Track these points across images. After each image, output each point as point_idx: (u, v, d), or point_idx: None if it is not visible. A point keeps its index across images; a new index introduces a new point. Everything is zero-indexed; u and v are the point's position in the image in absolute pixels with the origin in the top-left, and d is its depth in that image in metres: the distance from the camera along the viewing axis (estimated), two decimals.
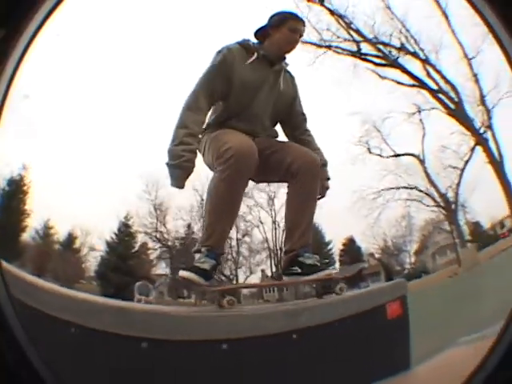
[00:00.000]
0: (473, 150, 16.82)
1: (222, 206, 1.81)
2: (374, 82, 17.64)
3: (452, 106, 16.35)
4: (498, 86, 16.22)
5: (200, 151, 1.96)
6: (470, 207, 20.43)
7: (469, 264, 12.55)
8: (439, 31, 17.76)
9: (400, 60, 17.00)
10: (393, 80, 17.12)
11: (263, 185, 22.67)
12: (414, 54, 17.08)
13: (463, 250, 16.50)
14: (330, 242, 24.24)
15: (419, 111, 17.87)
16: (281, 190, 22.56)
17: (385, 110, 18.69)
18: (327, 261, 22.21)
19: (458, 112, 16.19)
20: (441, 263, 22.38)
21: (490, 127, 15.89)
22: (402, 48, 17.06)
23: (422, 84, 16.58)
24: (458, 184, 18.15)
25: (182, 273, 1.83)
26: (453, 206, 18.48)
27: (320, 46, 17.25)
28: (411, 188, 19.53)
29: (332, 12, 16.91)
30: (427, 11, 17.47)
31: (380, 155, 19.47)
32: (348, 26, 16.63)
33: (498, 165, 14.90)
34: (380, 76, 17.22)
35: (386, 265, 23.13)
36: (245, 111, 1.96)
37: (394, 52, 16.99)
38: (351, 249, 24.38)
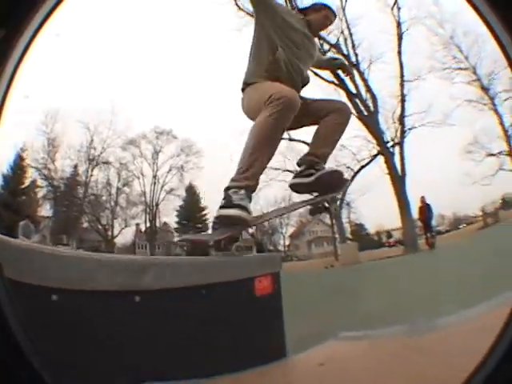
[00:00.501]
0: (373, 157, 17.27)
1: (265, 141, 1.93)
2: None
3: (365, 112, 16.71)
4: (427, 113, 16.94)
5: (243, 100, 2.23)
6: (356, 208, 21.22)
7: (347, 260, 12.64)
8: (384, 47, 17.93)
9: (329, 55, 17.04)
10: (315, 72, 17.14)
11: (152, 136, 22.47)
12: (346, 56, 17.14)
13: (343, 245, 16.74)
14: (205, 207, 23.66)
15: None
16: (167, 146, 22.62)
17: None
18: (200, 226, 22.39)
19: (369, 119, 16.60)
20: (316, 253, 22.57)
21: (400, 144, 16.49)
22: (335, 45, 17.24)
23: (341, 83, 16.66)
24: (349, 183, 18.64)
25: (227, 211, 1.87)
26: (337, 202, 18.80)
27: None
28: None
29: None
30: (383, 27, 17.48)
31: None
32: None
33: (398, 180, 15.45)
34: None
35: (259, 241, 23.28)
36: (290, 64, 2.22)
37: (326, 46, 17.09)
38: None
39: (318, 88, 17.22)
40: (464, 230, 18.65)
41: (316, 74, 16.58)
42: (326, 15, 2.47)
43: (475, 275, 4.68)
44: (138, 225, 23.20)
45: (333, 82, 16.60)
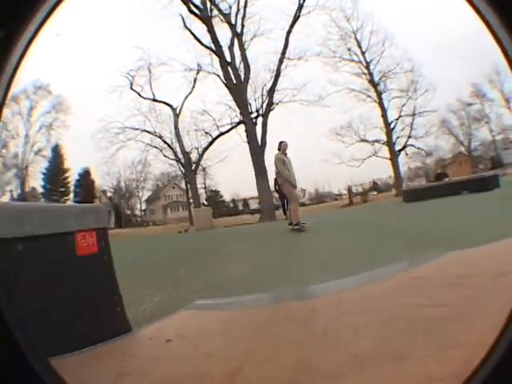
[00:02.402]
0: (235, 125, 17.62)
1: None
2: (177, 30, 17.50)
3: (234, 81, 17.10)
4: (300, 91, 17.73)
5: None
6: (213, 175, 21.17)
7: (202, 225, 12.74)
8: (276, 25, 18.02)
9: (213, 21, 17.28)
10: (193, 34, 17.46)
11: (30, 91, 20.87)
12: (232, 25, 17.34)
13: (197, 210, 16.78)
14: (68, 169, 22.36)
15: (198, 71, 18.22)
16: (42, 102, 21.02)
17: (167, 56, 18.31)
18: (63, 189, 21.64)
19: (237, 88, 16.98)
20: (172, 217, 22.50)
21: (264, 116, 16.90)
22: (225, 14, 17.47)
23: (218, 50, 16.81)
24: (206, 148, 18.70)
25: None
26: (193, 167, 18.80)
27: None
28: (156, 135, 19.78)
29: None
30: (282, 6, 17.88)
31: (139, 94, 19.29)
32: None
33: (256, 150, 15.82)
34: (185, 25, 17.35)
35: (116, 205, 23.11)
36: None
37: (216, 12, 17.29)
38: (86, 181, 23.42)
39: (193, 50, 17.38)
40: (327, 205, 19.48)
41: (195, 38, 17.01)
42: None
43: (324, 249, 5.37)
44: (11, 191, 21.05)
45: (210, 48, 16.86)
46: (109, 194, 23.19)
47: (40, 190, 21.70)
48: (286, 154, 8.37)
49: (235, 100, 17.01)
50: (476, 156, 20.28)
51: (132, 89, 19.46)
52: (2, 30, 0.67)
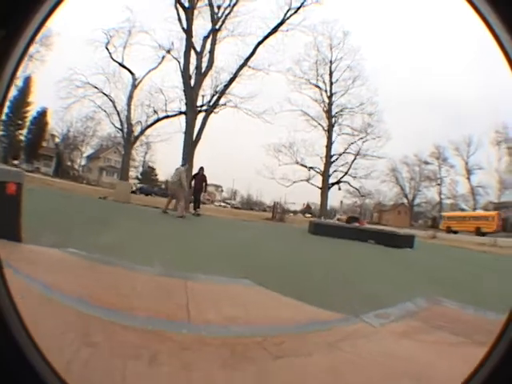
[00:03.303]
0: (179, 114, 18.09)
1: None
2: (168, 5, 17.70)
3: (200, 71, 17.54)
4: (249, 101, 18.36)
5: None
6: (154, 151, 22.03)
7: (119, 197, 14.07)
8: (255, 32, 18.30)
9: None
10: (178, 14, 17.53)
11: None
12: (213, 21, 17.68)
13: (119, 183, 17.30)
14: (31, 103, 23.15)
15: (168, 51, 18.90)
16: None
17: (149, 26, 19.40)
18: (20, 122, 22.06)
19: (197, 79, 17.43)
20: (106, 181, 23.02)
21: (207, 113, 17.29)
22: (215, 5, 17.81)
23: (189, 38, 17.16)
24: (149, 126, 19.13)
25: None
26: (132, 139, 19.23)
27: None
28: (110, 99, 19.88)
29: None
30: (267, 17, 18.10)
31: (111, 55, 20.10)
32: None
33: (189, 142, 16.13)
34: (176, 3, 17.59)
35: (60, 153, 23.55)
36: None
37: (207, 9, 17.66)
38: (41, 121, 23.34)
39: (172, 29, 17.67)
40: (251, 214, 19.98)
41: (178, 19, 16.69)
42: None
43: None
44: None
45: (186, 32, 16.81)
46: (57, 140, 23.48)
47: (2, 116, 22.16)
48: (180, 169, 11.16)
49: (185, 91, 17.11)
50: (417, 211, 20.77)
51: (106, 47, 19.73)
52: (2, 30, 0.67)
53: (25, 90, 22.67)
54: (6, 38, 0.68)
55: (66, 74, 19.04)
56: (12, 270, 1.48)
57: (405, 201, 21.06)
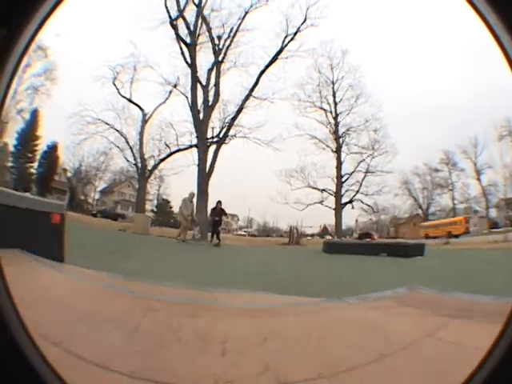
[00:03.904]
0: (190, 146, 18.62)
1: None
2: (170, 39, 17.82)
3: (205, 104, 17.99)
4: (258, 130, 18.19)
5: None
6: (168, 184, 22.15)
7: (138, 229, 14.76)
8: (258, 61, 18.53)
9: None
10: (181, 48, 17.76)
11: (33, 48, 22.42)
12: (216, 52, 17.92)
13: (137, 216, 17.79)
14: (40, 136, 22.26)
15: (175, 86, 18.78)
16: (37, 63, 22.12)
17: (154, 61, 18.90)
18: (30, 155, 21.83)
19: (204, 112, 18.04)
20: (120, 213, 23.84)
21: (218, 144, 17.86)
22: (214, 37, 18.00)
23: (194, 72, 17.67)
24: (162, 160, 19.46)
25: None
26: (147, 174, 19.67)
27: None
28: (122, 135, 20.07)
29: None
30: (269, 45, 18.20)
31: (118, 90, 19.77)
32: None
33: (203, 174, 16.76)
34: (177, 37, 17.70)
35: (73, 187, 23.82)
36: None
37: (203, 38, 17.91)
38: (52, 155, 23.81)
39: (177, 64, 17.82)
40: (268, 240, 20.72)
41: (182, 53, 16.99)
42: None
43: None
44: None
45: (190, 67, 17.27)
46: (69, 174, 23.73)
47: (11, 148, 22.21)
48: (191, 201, 12.64)
49: (195, 124, 17.59)
50: (432, 220, 21.09)
51: (114, 83, 19.93)
52: (3, 29, 0.67)
53: (33, 124, 22.86)
54: (6, 37, 0.68)
55: (76, 109, 19.32)
56: None
57: (419, 211, 21.28)
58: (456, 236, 16.00)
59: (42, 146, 22.53)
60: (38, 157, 23.04)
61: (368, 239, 16.56)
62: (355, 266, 8.51)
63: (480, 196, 20.29)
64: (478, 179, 19.48)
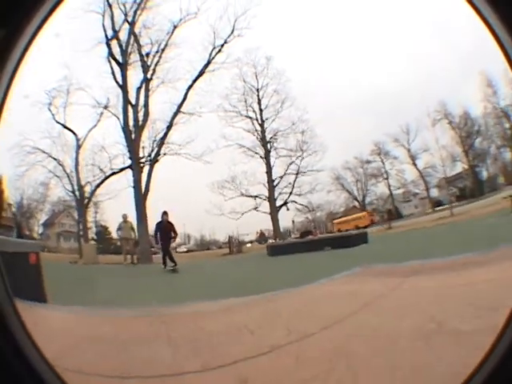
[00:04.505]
0: (124, 168, 18.47)
1: None
2: (102, 58, 17.39)
3: (132, 124, 18.23)
4: (186, 146, 18.45)
5: None
6: (104, 209, 21.06)
7: (88, 259, 14.66)
8: (185, 75, 18.37)
9: None
10: (112, 68, 17.45)
11: None
12: (144, 68, 18.07)
13: (85, 246, 17.86)
14: None
15: (106, 107, 18.20)
16: None
17: (85, 83, 17.88)
18: None
19: (134, 132, 18.31)
20: (65, 247, 23.73)
21: (151, 164, 18.11)
22: (143, 54, 18.13)
23: (123, 88, 17.76)
24: (98, 185, 19.05)
25: None
26: (85, 201, 19.41)
27: None
28: (59, 163, 20.07)
29: None
30: (194, 59, 18.17)
31: (54, 116, 19.36)
32: None
33: (139, 195, 16.77)
34: (108, 56, 17.28)
35: (18, 222, 23.79)
36: None
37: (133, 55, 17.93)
38: None
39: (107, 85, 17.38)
40: (209, 253, 21.15)
41: (112, 72, 16.71)
42: None
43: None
44: None
45: (120, 87, 17.39)
46: (13, 209, 23.59)
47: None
48: (125, 221, 12.82)
49: (128, 145, 17.61)
50: (371, 209, 21.94)
51: (49, 109, 19.95)
52: (2, 30, 0.67)
53: None
54: (5, 38, 0.68)
55: (17, 139, 19.46)
56: None
57: (356, 203, 22.06)
58: (364, 227, 17.80)
59: None
60: None
61: (310, 236, 17.12)
62: (304, 262, 8.91)
63: (418, 179, 21.17)
64: (414, 164, 20.20)
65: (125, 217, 13.18)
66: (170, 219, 11.28)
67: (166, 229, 10.72)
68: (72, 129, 20.08)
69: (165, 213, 11.07)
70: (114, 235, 24.38)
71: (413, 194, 20.52)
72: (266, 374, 2.07)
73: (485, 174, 18.77)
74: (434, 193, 20.41)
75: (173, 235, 10.78)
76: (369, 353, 2.06)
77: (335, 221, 20.57)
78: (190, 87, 18.13)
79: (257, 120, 20.63)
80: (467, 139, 19.28)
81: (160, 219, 11.12)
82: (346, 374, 1.85)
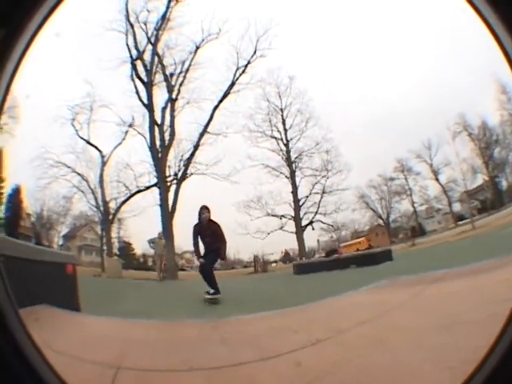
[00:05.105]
0: (151, 186, 18.58)
1: None
2: (126, 77, 17.48)
3: (158, 143, 18.61)
4: (214, 166, 18.27)
5: None
6: (127, 226, 21.72)
7: (112, 274, 14.90)
8: (210, 96, 18.36)
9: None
10: (136, 87, 17.59)
11: None
12: (169, 89, 18.21)
13: (109, 260, 17.94)
14: (4, 178, 22.87)
15: (131, 125, 18.20)
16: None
17: (110, 100, 17.74)
18: None
19: (161, 151, 18.84)
20: (86, 260, 23.87)
21: (177, 184, 18.30)
22: (167, 74, 18.25)
23: (148, 107, 17.90)
24: (124, 202, 18.94)
25: None
26: (110, 217, 19.44)
27: None
28: (84, 179, 20.42)
29: None
30: (219, 80, 18.10)
31: (77, 132, 20.30)
32: None
33: (166, 214, 17.05)
34: (132, 76, 17.43)
35: (37, 232, 23.85)
36: None
37: (159, 75, 18.08)
38: (16, 199, 23.56)
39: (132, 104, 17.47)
40: (234, 272, 20.60)
41: (136, 92, 16.94)
42: None
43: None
44: None
45: (146, 106, 17.53)
46: (32, 219, 23.47)
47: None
48: (161, 239, 13.43)
49: (155, 164, 17.82)
50: (395, 227, 21.99)
51: (72, 124, 20.01)
52: (2, 30, 0.67)
53: None
54: (6, 38, 0.68)
55: (38, 151, 19.50)
56: None
57: (380, 221, 22.22)
58: (364, 250, 18.49)
59: (7, 188, 22.48)
60: (4, 199, 22.74)
61: (336, 255, 17.54)
62: (331, 279, 9.20)
63: (441, 194, 21.22)
64: (437, 179, 20.17)
65: (160, 234, 13.67)
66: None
67: (207, 231, 6.70)
68: (96, 145, 20.30)
69: (205, 208, 6.94)
70: (138, 251, 24.74)
71: (436, 210, 20.47)
72: (317, 359, 2.47)
73: (504, 184, 18.92)
74: (457, 207, 20.33)
75: (220, 245, 6.66)
76: (392, 342, 2.50)
77: (341, 245, 20.80)
78: (215, 107, 18.23)
79: (282, 140, 20.94)
80: (486, 150, 19.43)
81: (198, 220, 6.85)
82: (377, 354, 2.32)
